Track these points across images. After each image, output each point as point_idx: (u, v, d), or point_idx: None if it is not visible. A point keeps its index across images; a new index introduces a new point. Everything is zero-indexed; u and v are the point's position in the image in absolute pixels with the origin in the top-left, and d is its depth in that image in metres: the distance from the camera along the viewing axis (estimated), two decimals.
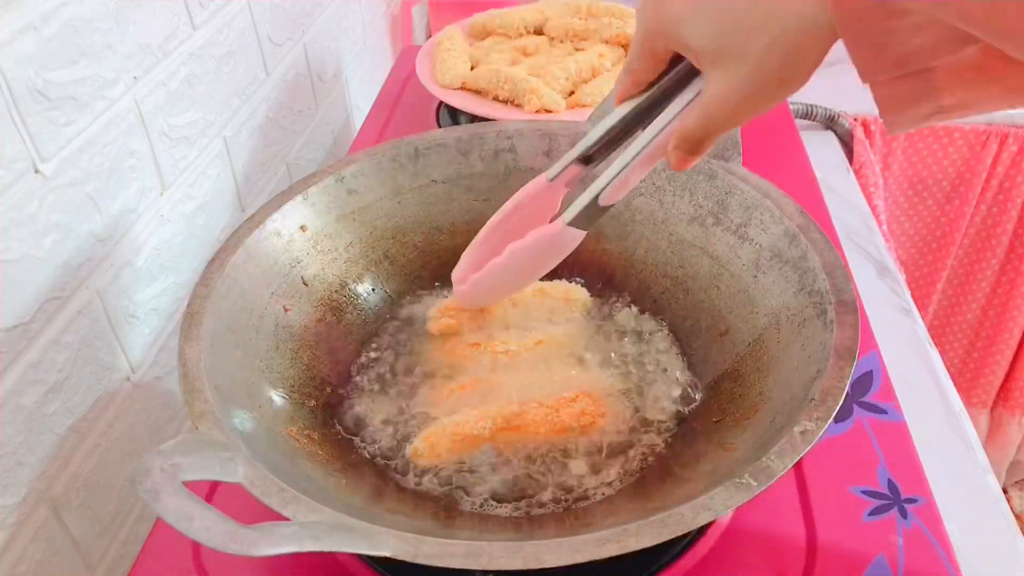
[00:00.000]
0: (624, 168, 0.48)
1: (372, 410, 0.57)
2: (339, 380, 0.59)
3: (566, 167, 0.53)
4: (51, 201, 0.58)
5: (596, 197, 0.49)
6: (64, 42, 0.58)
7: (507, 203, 0.57)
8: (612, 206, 0.51)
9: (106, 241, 0.65)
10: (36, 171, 0.56)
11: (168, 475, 0.37)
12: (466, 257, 0.59)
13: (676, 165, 0.45)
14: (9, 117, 0.53)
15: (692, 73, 0.44)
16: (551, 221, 0.53)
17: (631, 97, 0.47)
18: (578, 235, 0.52)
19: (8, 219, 0.54)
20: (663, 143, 0.46)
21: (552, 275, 0.60)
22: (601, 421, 0.54)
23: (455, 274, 0.59)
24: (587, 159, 0.52)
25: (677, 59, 0.44)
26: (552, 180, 0.54)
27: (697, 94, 0.43)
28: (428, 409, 0.56)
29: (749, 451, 0.43)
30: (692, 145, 0.43)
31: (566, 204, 0.53)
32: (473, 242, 0.59)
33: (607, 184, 0.49)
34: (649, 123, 0.47)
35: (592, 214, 0.51)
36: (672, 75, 0.45)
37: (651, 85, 0.46)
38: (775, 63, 0.37)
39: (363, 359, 0.61)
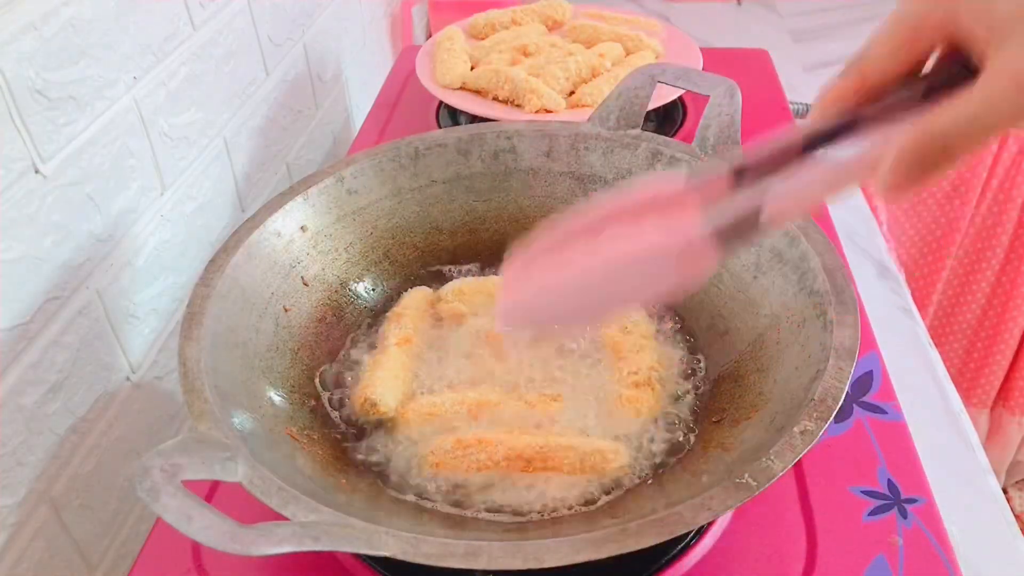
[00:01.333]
0: (802, 180, 0.35)
1: None
2: (336, 383, 0.59)
3: (714, 174, 0.38)
4: (51, 201, 0.58)
5: (758, 208, 0.35)
6: (64, 42, 0.58)
7: (613, 194, 0.40)
8: (770, 233, 0.37)
9: (106, 241, 0.65)
10: (36, 171, 0.56)
11: (168, 475, 0.37)
12: (529, 249, 0.43)
13: (891, 187, 0.32)
14: (9, 117, 0.53)
15: (933, 89, 0.33)
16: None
17: (840, 104, 0.35)
18: (708, 259, 0.37)
19: (8, 219, 0.54)
20: (866, 161, 0.34)
21: None
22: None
23: (508, 265, 0.44)
24: (742, 176, 0.37)
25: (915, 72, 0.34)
26: (691, 183, 0.38)
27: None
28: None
29: (749, 451, 0.43)
30: (936, 151, 0.31)
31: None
32: (544, 233, 0.42)
33: (778, 193, 0.35)
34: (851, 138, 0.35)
35: (745, 230, 0.36)
36: (909, 88, 0.34)
37: (874, 97, 0.35)
38: None
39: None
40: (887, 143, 0.33)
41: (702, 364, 0.58)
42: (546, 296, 0.41)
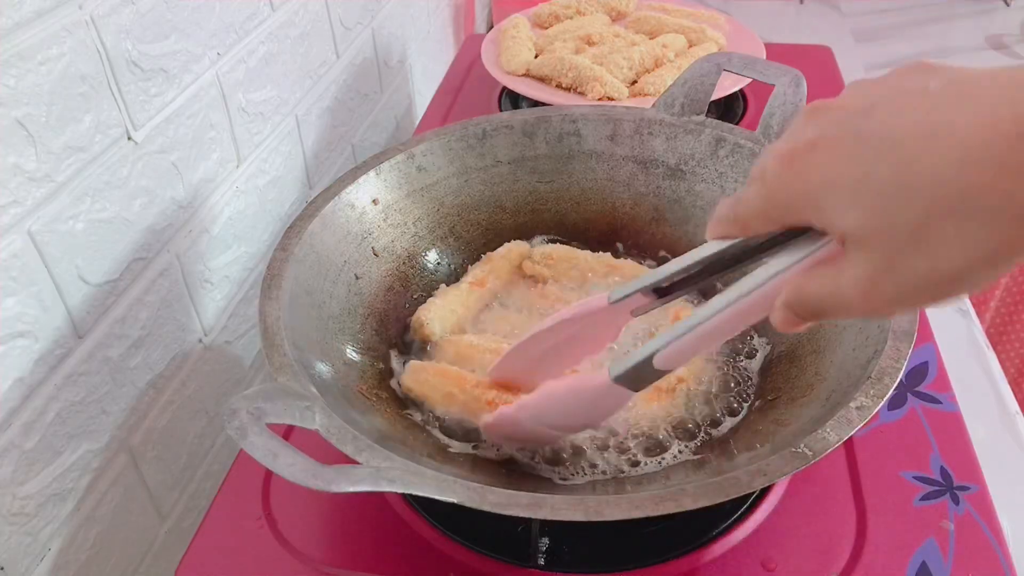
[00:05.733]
0: (690, 330, 0.39)
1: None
2: (404, 347, 0.61)
3: (632, 293, 0.43)
4: (141, 167, 0.61)
5: (651, 357, 0.41)
6: (158, 17, 0.61)
7: (560, 313, 0.48)
8: (668, 372, 0.42)
9: (186, 208, 0.68)
10: (129, 138, 0.60)
11: (254, 417, 0.39)
12: (503, 360, 0.53)
13: (781, 325, 0.35)
14: (107, 85, 0.57)
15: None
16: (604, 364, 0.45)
17: (729, 238, 0.37)
18: (624, 395, 0.44)
19: (103, 181, 0.57)
20: (756, 304, 0.37)
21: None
22: None
23: (489, 370, 0.54)
24: (661, 291, 0.43)
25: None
26: (613, 303, 0.44)
27: (817, 248, 0.34)
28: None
29: (805, 425, 0.45)
30: (810, 314, 0.33)
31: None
32: (513, 347, 0.51)
33: (666, 344, 0.40)
34: (739, 273, 0.38)
35: (644, 375, 0.42)
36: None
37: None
38: (960, 256, 0.26)
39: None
40: (772, 286, 0.35)
41: (758, 346, 0.59)
42: (507, 422, 0.50)
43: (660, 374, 0.42)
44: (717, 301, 0.38)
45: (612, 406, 0.47)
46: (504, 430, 0.51)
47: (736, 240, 0.37)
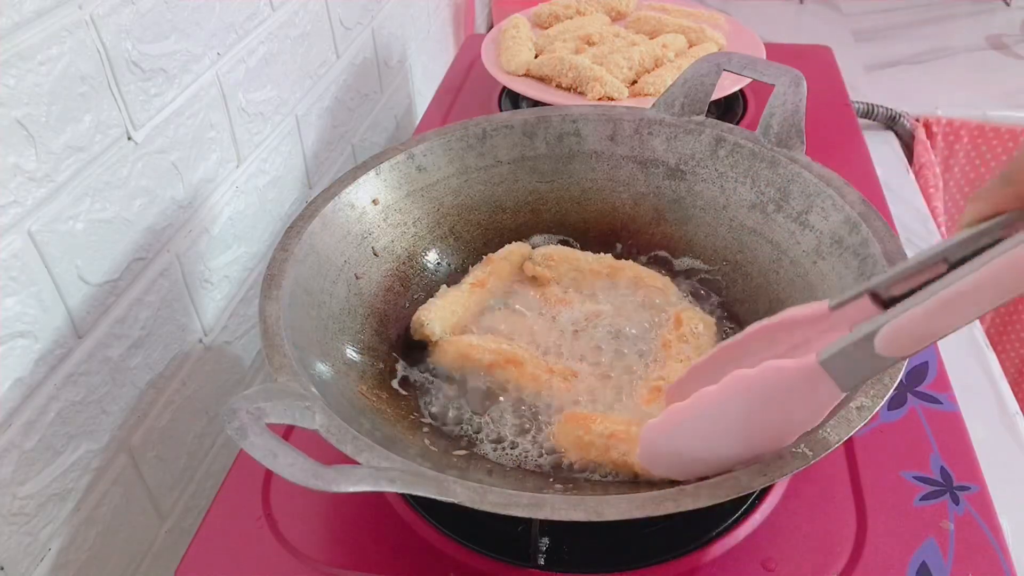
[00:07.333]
0: (924, 301, 0.32)
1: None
2: (404, 348, 0.61)
3: (856, 296, 0.38)
4: (141, 167, 0.61)
5: (871, 335, 0.34)
6: (157, 17, 0.61)
7: (765, 322, 0.42)
8: (895, 361, 0.34)
9: (186, 208, 0.68)
10: (129, 138, 0.60)
11: (253, 417, 0.39)
12: (682, 381, 0.47)
13: None
14: (107, 85, 0.57)
15: None
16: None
17: (994, 209, 0.33)
18: (832, 390, 0.36)
19: (103, 181, 0.57)
20: (1013, 264, 0.31)
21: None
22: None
23: (667, 392, 0.48)
24: (888, 300, 0.37)
25: None
26: (833, 309, 0.39)
27: None
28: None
29: None
30: None
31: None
32: (697, 362, 0.46)
33: (895, 317, 0.33)
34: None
35: (861, 362, 0.35)
36: None
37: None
38: None
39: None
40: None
41: None
42: (672, 428, 0.42)
43: (883, 363, 0.34)
44: (961, 270, 0.32)
45: (816, 405, 0.38)
46: (664, 438, 0.43)
47: (985, 224, 0.33)
